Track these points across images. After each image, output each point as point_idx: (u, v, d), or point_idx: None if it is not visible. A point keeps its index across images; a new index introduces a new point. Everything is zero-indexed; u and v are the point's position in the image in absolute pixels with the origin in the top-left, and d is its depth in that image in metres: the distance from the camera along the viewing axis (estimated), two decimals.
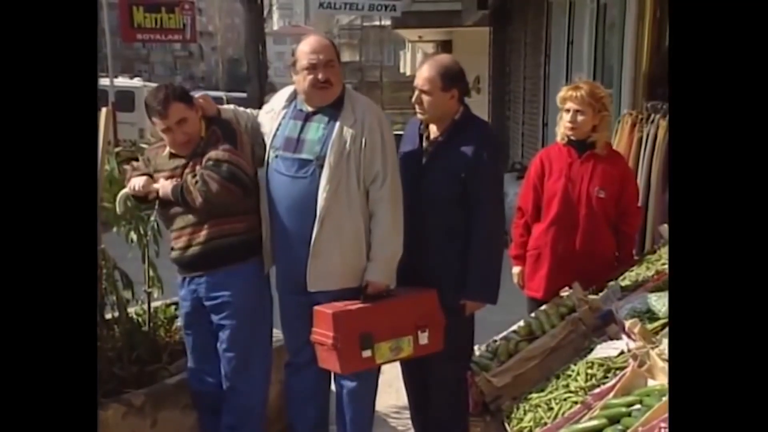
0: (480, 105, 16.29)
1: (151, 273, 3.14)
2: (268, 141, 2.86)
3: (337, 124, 2.75)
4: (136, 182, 2.80)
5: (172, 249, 2.88)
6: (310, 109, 2.81)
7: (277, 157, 2.81)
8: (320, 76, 2.72)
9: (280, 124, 2.86)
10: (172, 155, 2.84)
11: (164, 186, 2.78)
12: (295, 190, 2.76)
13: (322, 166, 2.72)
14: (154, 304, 3.36)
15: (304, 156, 2.76)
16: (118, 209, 2.87)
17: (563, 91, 3.15)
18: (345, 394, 2.90)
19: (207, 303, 2.85)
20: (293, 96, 2.90)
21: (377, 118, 2.83)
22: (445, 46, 19.66)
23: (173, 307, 3.64)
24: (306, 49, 2.76)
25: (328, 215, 2.71)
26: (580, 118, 3.07)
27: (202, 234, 2.78)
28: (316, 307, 2.71)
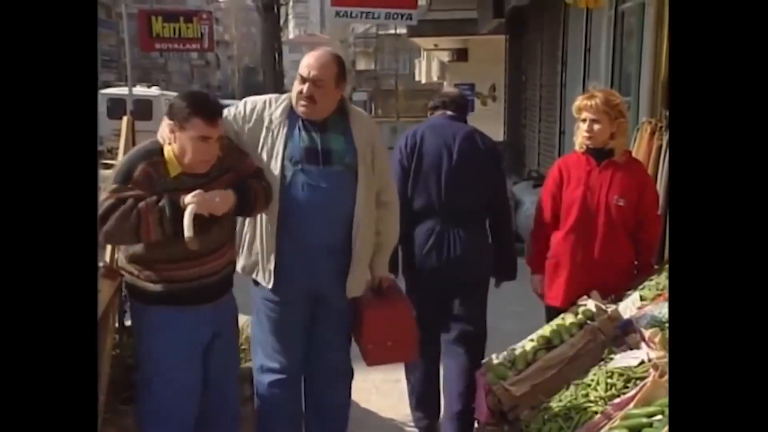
0: (496, 113, 16.31)
1: None
2: (272, 152, 2.74)
3: (354, 134, 2.80)
4: (216, 198, 2.41)
5: (168, 281, 2.48)
6: (318, 119, 2.77)
7: (301, 169, 2.73)
8: (304, 90, 2.72)
9: (288, 136, 2.75)
10: (181, 174, 2.46)
11: (227, 196, 2.49)
12: (326, 200, 2.73)
13: (356, 176, 2.76)
14: None
15: (336, 167, 2.75)
16: (188, 233, 2.33)
17: (578, 101, 3.14)
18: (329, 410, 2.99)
19: (208, 337, 2.60)
20: (290, 106, 2.80)
21: (375, 128, 2.97)
22: (461, 55, 19.71)
23: None
24: (305, 60, 2.76)
25: (364, 223, 2.77)
26: (596, 127, 3.06)
27: (224, 259, 2.60)
28: (371, 311, 2.84)
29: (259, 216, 2.74)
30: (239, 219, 2.77)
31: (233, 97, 44.86)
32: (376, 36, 41.40)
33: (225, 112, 2.69)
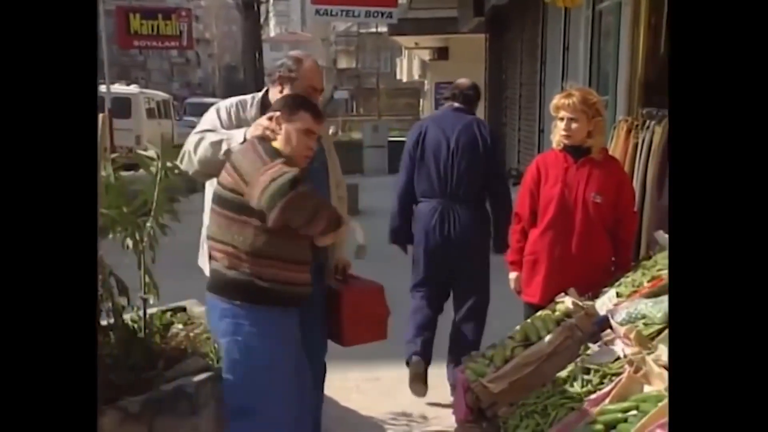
0: (476, 111, 16.34)
1: (147, 279, 3.13)
2: None
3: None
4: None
5: (285, 283, 2.45)
6: None
7: None
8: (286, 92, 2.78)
9: None
10: None
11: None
12: None
13: (327, 173, 2.92)
14: (149, 311, 3.35)
15: (315, 164, 2.76)
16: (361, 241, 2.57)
17: (556, 100, 3.15)
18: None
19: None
20: (262, 105, 2.84)
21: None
22: (442, 53, 19.75)
23: (169, 313, 3.64)
24: (308, 65, 2.84)
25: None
26: (574, 125, 3.08)
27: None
28: (345, 293, 2.85)
29: None
30: None
31: (214, 95, 44.61)
32: (358, 34, 41.39)
33: (202, 124, 2.72)
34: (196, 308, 3.84)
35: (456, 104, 3.84)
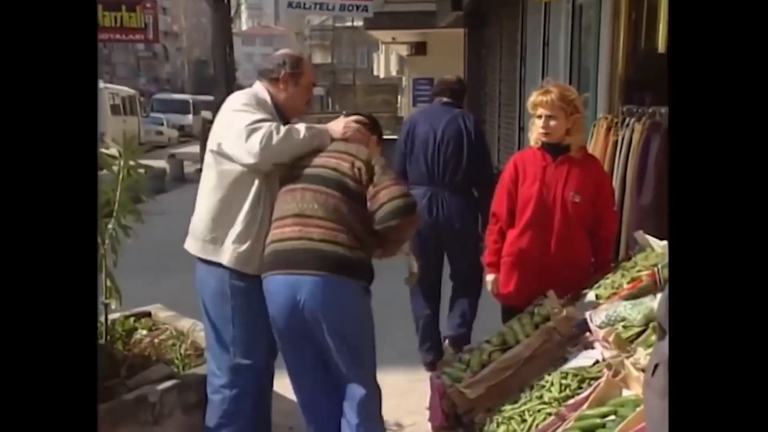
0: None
1: (109, 284, 3.09)
2: None
3: None
4: None
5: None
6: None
7: None
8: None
9: None
10: None
11: None
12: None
13: None
14: (111, 316, 3.32)
15: None
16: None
17: (534, 97, 3.16)
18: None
19: None
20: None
21: None
22: (420, 48, 19.79)
23: (132, 319, 3.60)
24: (306, 62, 2.98)
25: None
26: (552, 122, 3.10)
27: None
28: None
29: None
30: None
31: (183, 91, 44.18)
32: (333, 28, 41.30)
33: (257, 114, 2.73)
34: (161, 313, 3.81)
35: (444, 99, 4.33)
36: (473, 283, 4.26)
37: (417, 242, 4.02)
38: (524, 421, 2.40)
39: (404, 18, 16.10)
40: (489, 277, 3.35)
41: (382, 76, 32.85)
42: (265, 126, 2.66)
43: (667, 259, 2.79)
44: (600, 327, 2.61)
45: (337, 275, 2.56)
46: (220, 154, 2.72)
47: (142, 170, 3.21)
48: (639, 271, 2.91)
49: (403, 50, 22.13)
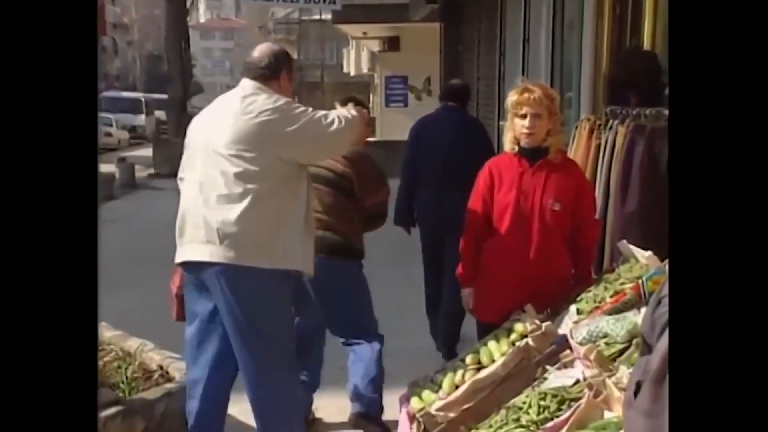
0: (431, 108, 16.45)
1: None
2: None
3: None
4: None
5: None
6: None
7: None
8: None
9: None
10: None
11: None
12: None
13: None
14: None
15: None
16: None
17: (514, 95, 3.16)
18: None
19: None
20: None
21: None
22: (392, 44, 19.84)
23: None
24: None
25: None
26: (538, 122, 3.11)
27: None
28: None
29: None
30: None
31: (135, 89, 43.75)
32: (299, 22, 41.21)
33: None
34: (107, 333, 3.76)
35: (449, 103, 4.98)
36: None
37: (423, 234, 4.97)
38: None
39: (376, 11, 16.13)
40: (464, 292, 3.36)
41: (352, 73, 32.87)
42: (332, 115, 3.04)
43: (651, 271, 2.83)
44: (581, 343, 2.63)
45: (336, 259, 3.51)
46: (279, 159, 2.88)
47: None
48: (622, 283, 2.94)
49: (375, 46, 22.17)
